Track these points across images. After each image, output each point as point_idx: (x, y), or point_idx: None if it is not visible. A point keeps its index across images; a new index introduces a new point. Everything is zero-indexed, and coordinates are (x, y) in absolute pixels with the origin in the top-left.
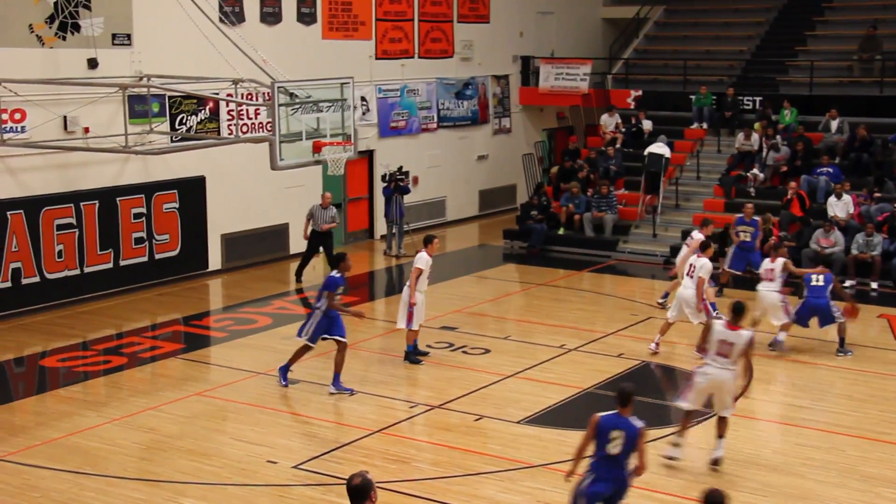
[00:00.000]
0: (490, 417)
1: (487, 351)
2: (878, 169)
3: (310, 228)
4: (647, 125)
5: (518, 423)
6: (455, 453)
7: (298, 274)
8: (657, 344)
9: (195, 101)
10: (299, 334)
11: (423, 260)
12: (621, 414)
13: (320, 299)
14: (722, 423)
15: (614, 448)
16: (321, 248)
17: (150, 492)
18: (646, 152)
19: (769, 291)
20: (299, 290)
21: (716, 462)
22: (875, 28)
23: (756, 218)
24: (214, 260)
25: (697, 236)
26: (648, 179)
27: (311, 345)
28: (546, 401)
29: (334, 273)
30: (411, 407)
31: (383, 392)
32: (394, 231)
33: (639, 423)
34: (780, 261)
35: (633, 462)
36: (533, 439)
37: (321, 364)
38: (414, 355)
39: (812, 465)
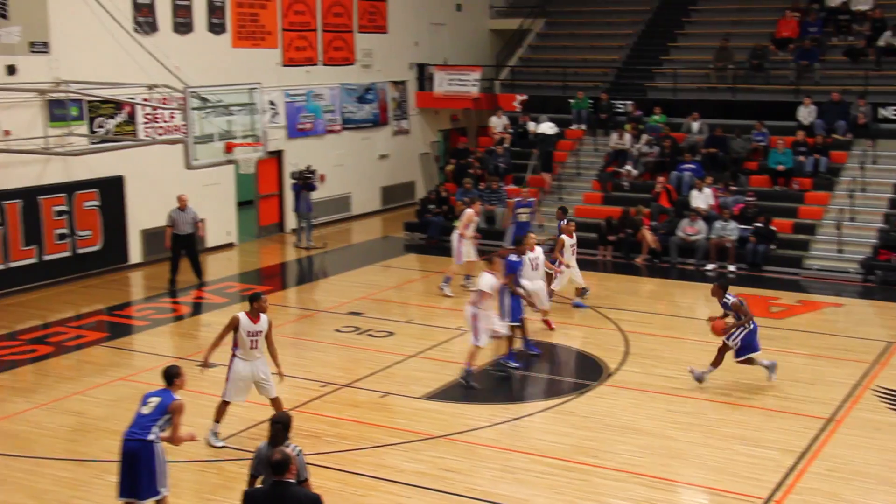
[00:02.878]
0: (394, 394)
1: (391, 333)
2: (733, 165)
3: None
4: (545, 127)
5: (420, 398)
6: (363, 427)
7: (172, 282)
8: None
9: (113, 105)
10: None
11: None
12: (166, 388)
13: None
14: (275, 402)
15: (146, 409)
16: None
17: (78, 471)
18: (533, 132)
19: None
20: (211, 282)
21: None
22: (727, 40)
23: (532, 199)
24: (135, 254)
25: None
26: (542, 159)
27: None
28: (445, 378)
29: (513, 256)
30: (322, 386)
31: (296, 373)
32: (302, 225)
33: (176, 397)
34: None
35: (167, 431)
36: (434, 413)
37: None
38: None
39: (679, 428)
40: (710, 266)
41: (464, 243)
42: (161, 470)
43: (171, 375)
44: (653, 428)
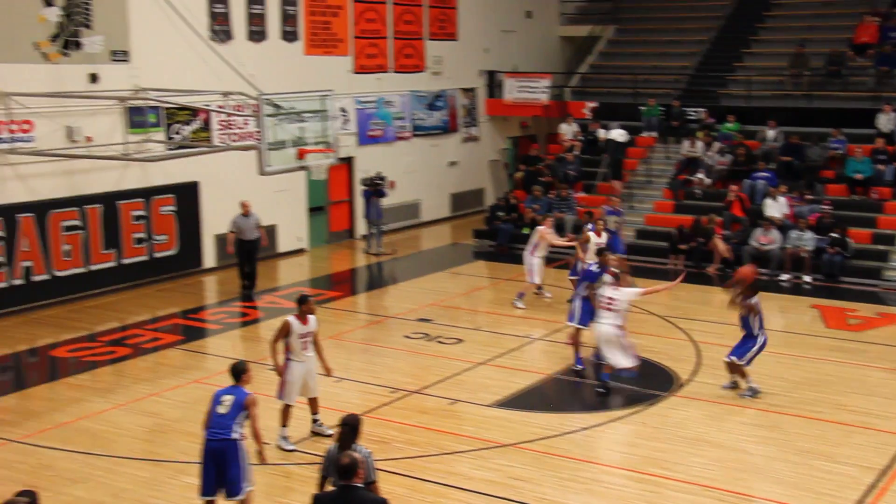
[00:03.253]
0: (463, 401)
1: (460, 341)
2: (809, 173)
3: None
4: (616, 134)
5: (489, 406)
6: (432, 434)
7: (245, 286)
8: None
9: (189, 112)
10: (570, 320)
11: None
12: (236, 385)
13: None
14: (313, 402)
15: (223, 409)
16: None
17: (154, 471)
18: (603, 139)
19: None
20: (282, 287)
21: (321, 433)
22: (803, 46)
23: (621, 209)
24: (209, 258)
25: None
26: (612, 166)
27: (582, 327)
28: (514, 386)
29: (593, 267)
30: (391, 392)
31: (366, 379)
32: (372, 231)
33: (248, 392)
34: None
35: (247, 426)
36: (503, 421)
37: None
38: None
39: (754, 442)
40: (784, 276)
41: (536, 260)
42: (245, 466)
43: (239, 371)
44: (726, 440)
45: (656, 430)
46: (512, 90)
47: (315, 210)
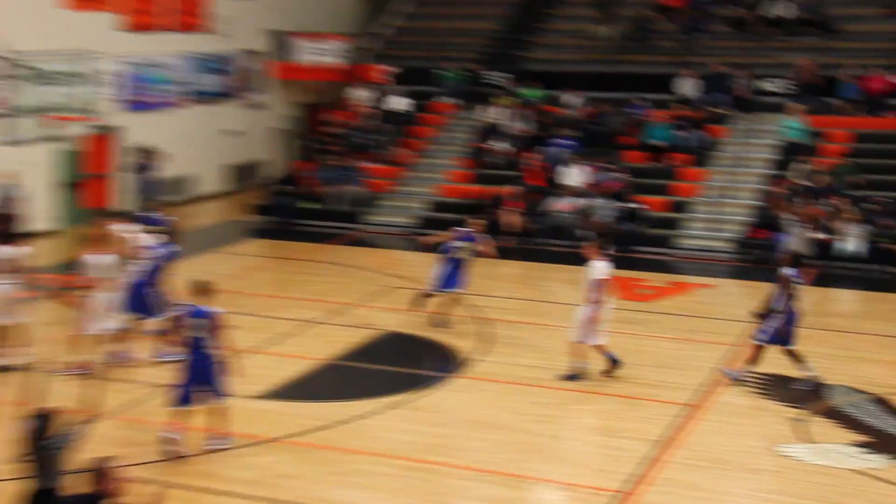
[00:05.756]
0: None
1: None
2: (608, 140)
3: None
4: (403, 102)
5: (255, 397)
6: (190, 433)
7: None
8: None
9: None
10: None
11: None
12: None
13: None
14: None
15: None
16: None
17: None
18: (390, 107)
19: None
20: None
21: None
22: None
23: (474, 234)
24: None
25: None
26: (396, 133)
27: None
28: (284, 374)
29: None
30: (150, 388)
31: (122, 376)
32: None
33: (217, 310)
34: None
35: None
36: (267, 413)
37: None
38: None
39: (538, 422)
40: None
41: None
42: None
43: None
44: (509, 422)
45: (436, 415)
46: (304, 53)
47: (68, 186)
